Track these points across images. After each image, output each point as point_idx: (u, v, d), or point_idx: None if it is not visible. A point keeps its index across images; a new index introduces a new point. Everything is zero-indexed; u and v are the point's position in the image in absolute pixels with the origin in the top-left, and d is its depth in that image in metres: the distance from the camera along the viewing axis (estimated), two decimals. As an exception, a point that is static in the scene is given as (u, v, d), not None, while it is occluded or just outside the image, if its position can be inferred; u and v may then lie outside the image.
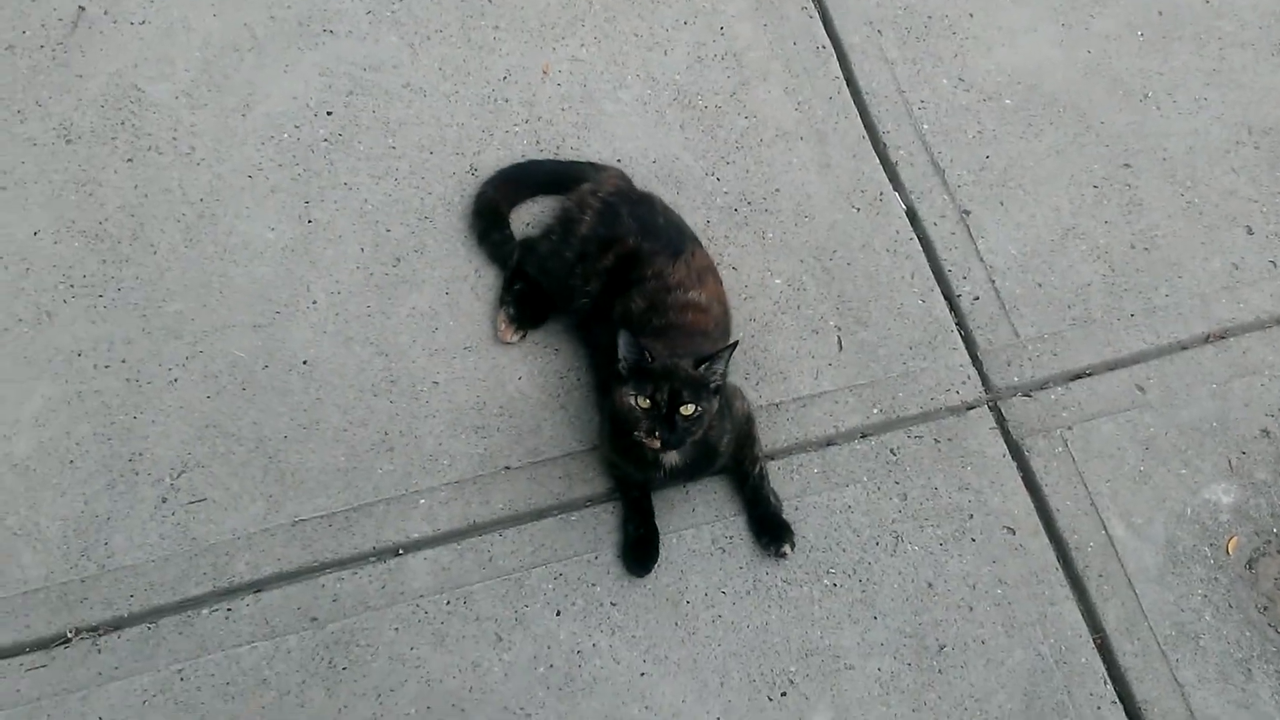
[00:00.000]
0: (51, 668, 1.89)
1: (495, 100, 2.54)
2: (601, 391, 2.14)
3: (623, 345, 1.84)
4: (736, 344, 1.88)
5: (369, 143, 2.45)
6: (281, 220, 2.34)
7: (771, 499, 2.09)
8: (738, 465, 2.09)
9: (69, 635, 1.92)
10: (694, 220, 2.42)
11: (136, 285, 2.24)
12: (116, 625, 1.94)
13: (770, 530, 2.09)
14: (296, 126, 2.45)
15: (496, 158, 2.46)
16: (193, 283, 2.26)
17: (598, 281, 2.14)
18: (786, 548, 2.07)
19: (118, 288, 2.23)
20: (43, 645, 1.92)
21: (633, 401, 1.83)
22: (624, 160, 2.48)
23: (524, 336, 2.26)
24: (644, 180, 2.46)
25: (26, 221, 2.28)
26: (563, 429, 2.18)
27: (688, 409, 1.81)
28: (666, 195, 2.45)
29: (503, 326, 2.24)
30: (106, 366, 2.16)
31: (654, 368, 1.82)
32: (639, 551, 2.05)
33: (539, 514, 2.11)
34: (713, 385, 1.87)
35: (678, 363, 1.84)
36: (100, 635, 1.93)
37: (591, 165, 2.40)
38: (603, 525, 2.10)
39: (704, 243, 2.39)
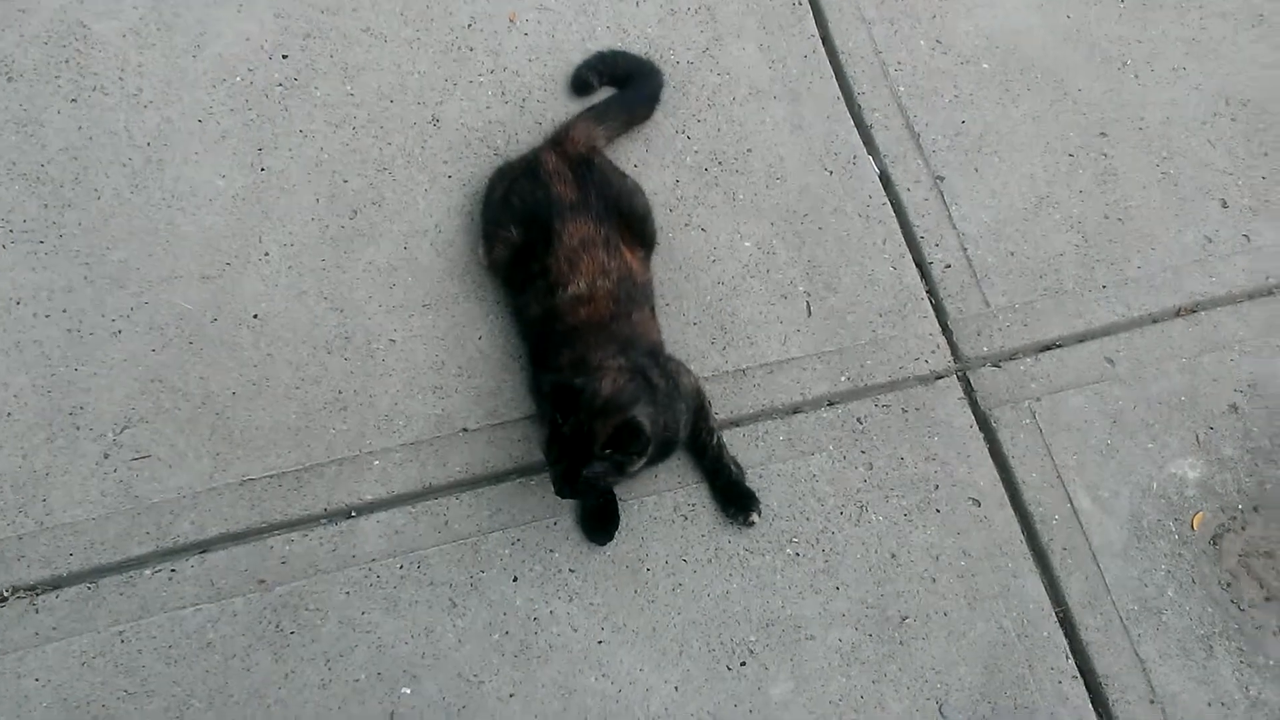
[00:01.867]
0: (-16, 628, 1.82)
1: (459, 48, 2.44)
2: (534, 372, 2.08)
3: (549, 393, 1.78)
4: (645, 452, 1.79)
5: (326, 89, 2.35)
6: (233, 168, 2.24)
7: (732, 467, 2.05)
8: (694, 439, 2.03)
9: (5, 594, 1.85)
10: (662, 179, 2.35)
11: (79, 232, 2.14)
12: (55, 584, 1.87)
13: (735, 499, 2.04)
14: (250, 70, 2.34)
15: (459, 109, 2.38)
16: (138, 230, 2.16)
17: (504, 250, 2.09)
18: (754, 516, 2.03)
19: (59, 234, 2.13)
20: (-25, 605, 1.84)
21: (544, 446, 1.81)
22: (592, 115, 2.40)
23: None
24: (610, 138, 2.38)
25: (-39, 162, 2.17)
26: (524, 391, 2.12)
27: (592, 473, 1.77)
28: (634, 153, 2.38)
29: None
30: (47, 316, 2.06)
31: (565, 431, 1.76)
32: (599, 519, 2.00)
33: (497, 478, 2.05)
34: (628, 466, 1.80)
35: (595, 428, 1.73)
36: (38, 594, 1.86)
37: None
38: (562, 490, 2.05)
39: (672, 204, 2.33)
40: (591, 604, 1.97)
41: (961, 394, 2.24)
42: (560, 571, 1.99)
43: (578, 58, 2.46)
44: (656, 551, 2.02)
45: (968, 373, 2.27)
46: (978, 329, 2.30)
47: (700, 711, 1.90)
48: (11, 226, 2.13)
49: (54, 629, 1.83)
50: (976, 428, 2.21)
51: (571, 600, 1.96)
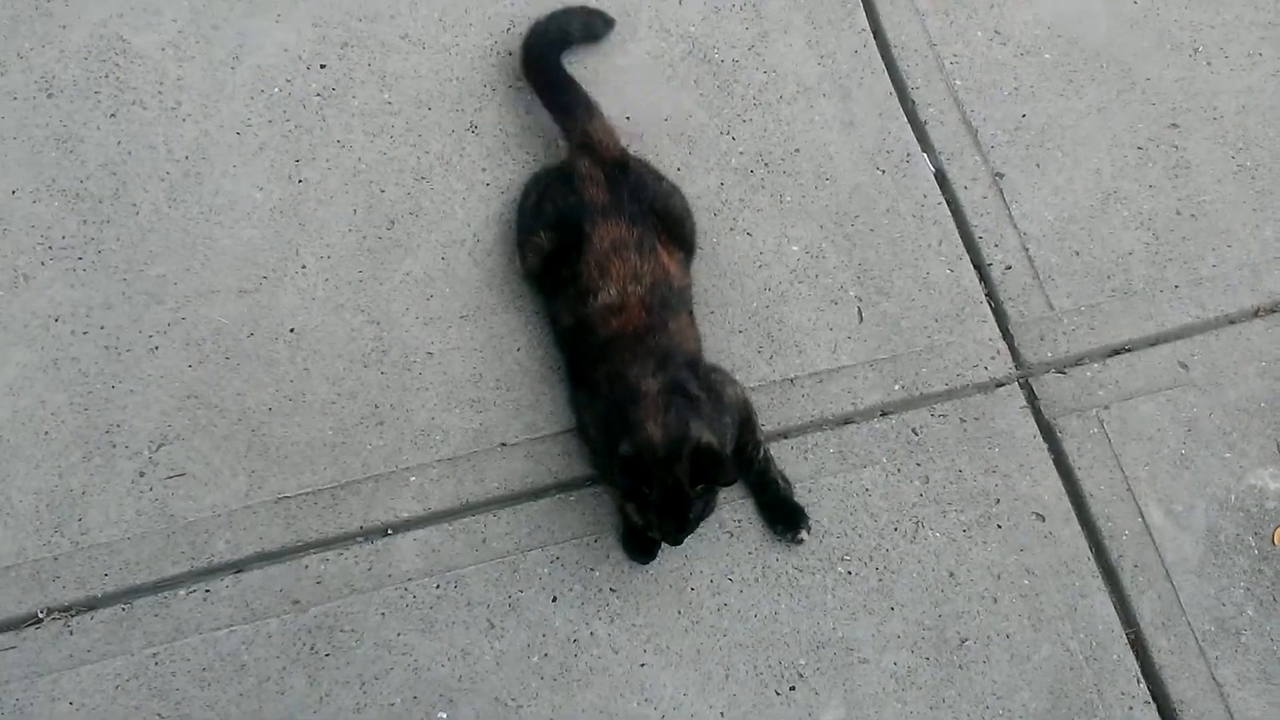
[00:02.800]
0: (21, 649, 1.81)
1: (498, 53, 2.39)
2: (572, 385, 2.02)
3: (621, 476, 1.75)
4: (729, 468, 1.76)
5: (363, 98, 2.32)
6: (270, 180, 2.22)
7: (780, 482, 1.96)
8: (740, 452, 1.93)
9: (40, 615, 1.84)
10: (706, 183, 2.27)
11: (117, 247, 2.13)
12: (90, 605, 1.85)
13: (784, 515, 1.96)
14: (288, 80, 2.32)
15: (498, 114, 2.32)
16: (176, 245, 2.14)
17: (536, 258, 2.04)
18: (803, 533, 1.94)
19: (98, 250, 2.12)
20: (12, 626, 1.83)
21: (638, 521, 1.80)
22: (634, 118, 2.32)
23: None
24: (654, 139, 2.31)
25: (4, 179, 2.17)
26: (563, 404, 2.05)
27: (697, 514, 1.76)
28: (678, 156, 2.30)
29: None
30: (85, 332, 2.05)
31: (654, 498, 1.72)
32: (642, 537, 1.92)
33: (536, 493, 1.99)
34: (720, 486, 1.79)
35: (678, 474, 1.71)
36: (73, 616, 1.84)
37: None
38: (603, 506, 1.98)
39: (716, 208, 2.25)
40: (633, 625, 1.89)
41: (1024, 402, 2.12)
42: (601, 591, 1.92)
43: (621, 60, 2.39)
44: (701, 570, 1.94)
45: (1030, 380, 2.15)
46: (1041, 333, 2.18)
47: (748, 739, 1.82)
48: (50, 244, 2.12)
49: (88, 651, 1.82)
50: (1040, 438, 2.09)
51: (613, 621, 1.89)
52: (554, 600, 1.90)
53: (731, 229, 2.24)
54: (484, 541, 1.94)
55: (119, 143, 2.23)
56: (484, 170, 2.27)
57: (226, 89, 2.30)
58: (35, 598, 1.85)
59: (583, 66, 2.39)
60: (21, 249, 2.11)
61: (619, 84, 2.37)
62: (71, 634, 1.82)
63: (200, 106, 2.28)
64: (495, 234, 2.20)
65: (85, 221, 2.15)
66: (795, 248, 2.23)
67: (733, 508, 1.99)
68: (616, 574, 1.93)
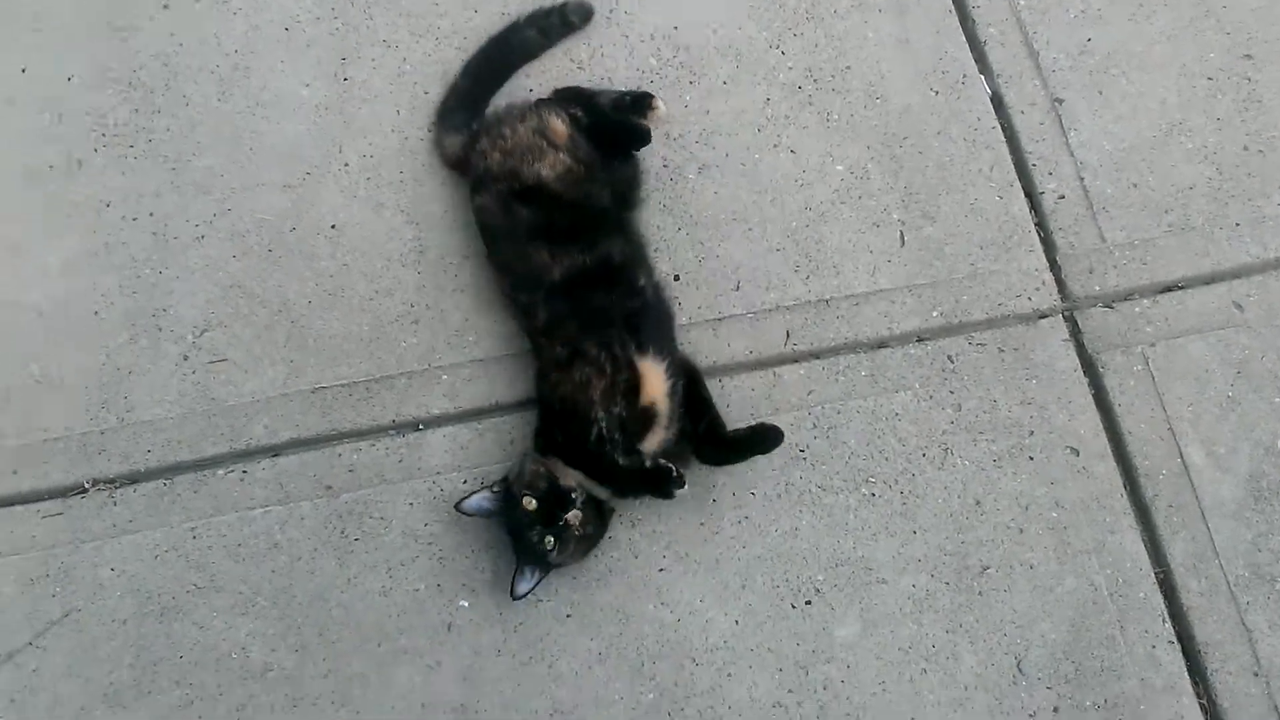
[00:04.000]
0: (67, 516, 1.89)
1: (549, -42, 2.35)
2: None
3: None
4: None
5: (412, -2, 2.31)
6: (317, 77, 2.23)
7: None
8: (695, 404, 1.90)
9: (86, 486, 1.92)
10: (752, 97, 2.23)
11: (167, 138, 2.17)
12: (133, 479, 1.93)
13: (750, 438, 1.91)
14: (338, -22, 2.31)
15: (546, 20, 2.29)
16: (224, 138, 2.17)
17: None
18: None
19: (149, 139, 2.16)
20: (60, 494, 1.91)
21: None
22: (681, 27, 2.28)
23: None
24: (700, 52, 2.27)
25: (62, 66, 2.22)
26: (596, 312, 2.06)
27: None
28: (724, 68, 2.26)
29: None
30: (134, 219, 2.10)
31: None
32: None
33: (565, 399, 2.01)
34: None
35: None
36: (116, 488, 1.92)
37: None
38: (631, 414, 1.99)
39: (761, 124, 2.21)
40: (654, 531, 1.91)
41: (1067, 335, 2.07)
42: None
43: (670, -33, 2.34)
44: (724, 482, 1.95)
45: (1075, 313, 2.10)
46: (1090, 266, 2.12)
47: (760, 647, 1.84)
48: (104, 131, 2.17)
49: (130, 522, 1.89)
50: (1081, 372, 2.04)
51: (634, 526, 1.92)
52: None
53: (775, 145, 2.20)
54: (511, 442, 1.96)
55: (171, 34, 2.25)
56: (527, 75, 2.25)
57: (278, -16, 2.30)
58: (82, 469, 1.92)
59: (632, -30, 2.34)
60: (76, 135, 2.16)
61: (670, -8, 2.33)
62: (115, 505, 1.90)
63: (250, 1, 2.29)
64: (538, 141, 2.19)
65: (137, 111, 2.18)
66: (840, 167, 2.19)
67: (757, 423, 1.98)
68: (640, 481, 1.94)
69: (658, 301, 1.93)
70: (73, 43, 2.23)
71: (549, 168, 1.92)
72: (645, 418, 1.80)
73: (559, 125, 1.98)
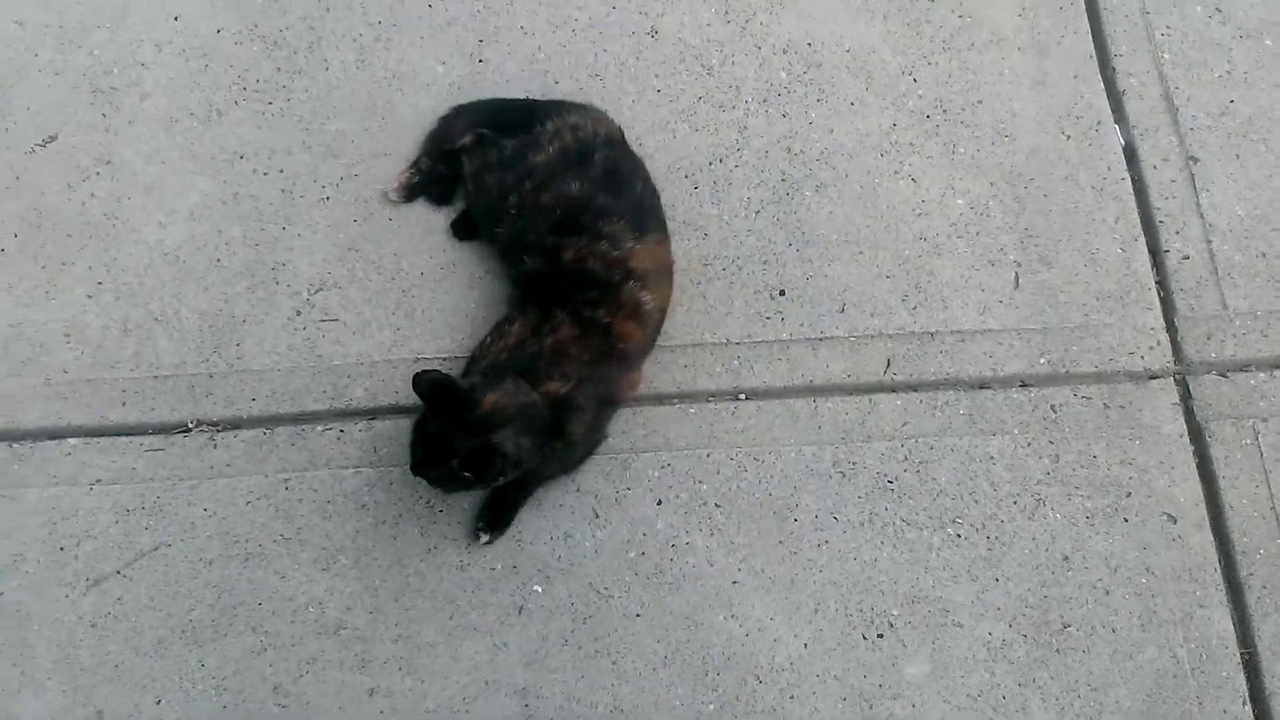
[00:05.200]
0: (169, 452, 1.95)
1: (691, -39, 2.37)
2: None
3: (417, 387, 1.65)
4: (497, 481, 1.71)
5: (553, -12, 2.34)
6: (453, 55, 2.27)
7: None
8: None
9: (190, 425, 1.98)
10: (879, 121, 2.21)
11: (305, 99, 2.23)
12: (235, 425, 1.98)
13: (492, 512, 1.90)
14: (484, -39, 2.36)
15: (680, 23, 2.31)
16: (358, 105, 2.22)
17: (527, 221, 1.91)
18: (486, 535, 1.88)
19: (287, 98, 2.23)
20: (164, 430, 1.97)
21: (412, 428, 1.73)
22: (815, 45, 2.28)
23: (408, 199, 2.12)
24: (832, 70, 2.27)
25: (212, 18, 2.29)
26: (696, 316, 2.06)
27: (435, 480, 1.73)
28: (854, 89, 2.25)
29: (398, 182, 2.11)
30: (265, 173, 2.16)
31: (429, 430, 1.68)
32: (494, 509, 1.90)
33: (658, 399, 2.02)
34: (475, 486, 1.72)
35: (456, 443, 1.64)
36: (219, 431, 1.97)
37: (580, 105, 2.11)
38: (721, 423, 1.99)
39: (884, 149, 2.20)
40: (732, 543, 1.91)
41: (1177, 399, 2.02)
42: (705, 504, 1.94)
43: (811, -17, 2.34)
44: (807, 504, 1.94)
45: (1188, 377, 2.04)
46: (1208, 332, 2.06)
47: (826, 674, 1.82)
48: (245, 85, 2.23)
49: (227, 465, 1.95)
50: (1187, 438, 1.99)
51: (712, 535, 1.91)
52: (659, 503, 1.93)
53: (896, 172, 2.18)
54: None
55: None
56: (656, 76, 2.27)
57: (425, -38, 2.35)
58: (188, 408, 1.98)
59: (774, -14, 2.35)
60: (219, 85, 2.23)
61: (805, 6, 2.33)
62: (215, 447, 1.96)
63: (398, -25, 2.34)
64: (658, 141, 2.20)
65: (279, 69, 2.25)
66: (960, 201, 2.16)
67: (848, 449, 1.97)
68: (723, 491, 1.94)
69: None
70: (225, -3, 2.31)
71: None
72: None
73: None
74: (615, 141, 2.01)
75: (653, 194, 1.99)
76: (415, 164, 2.13)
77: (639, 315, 1.87)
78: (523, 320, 1.87)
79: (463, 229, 2.11)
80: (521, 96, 2.19)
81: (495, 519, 1.87)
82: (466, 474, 1.64)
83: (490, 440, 1.64)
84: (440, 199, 2.14)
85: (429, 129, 2.17)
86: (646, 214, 1.92)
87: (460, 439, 1.64)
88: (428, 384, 1.64)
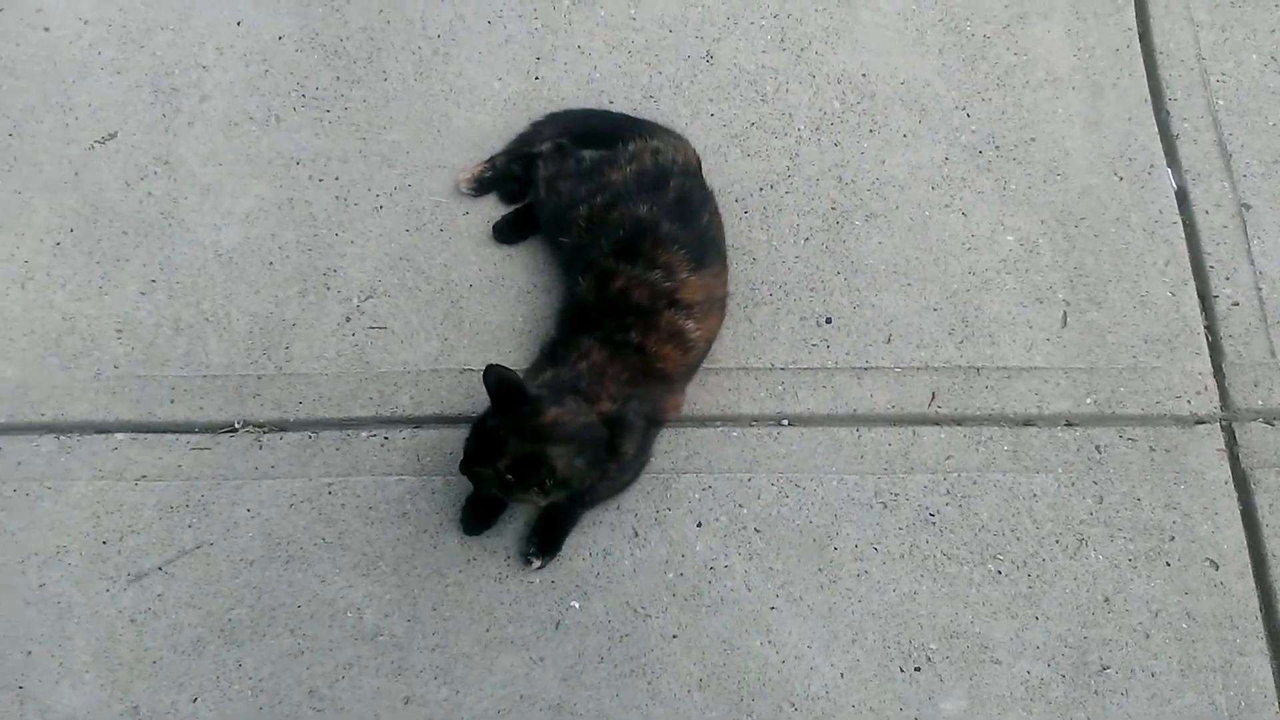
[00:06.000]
0: (215, 452, 1.97)
1: (748, -11, 2.39)
2: None
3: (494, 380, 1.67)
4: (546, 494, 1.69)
5: (610, 9, 2.36)
6: (510, 72, 2.29)
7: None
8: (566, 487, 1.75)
9: (236, 426, 1.99)
10: (930, 154, 2.22)
11: (362, 108, 2.25)
12: (281, 427, 1.99)
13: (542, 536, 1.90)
14: (543, -21, 2.39)
15: (735, 48, 2.33)
16: (415, 117, 2.25)
17: (593, 235, 1.92)
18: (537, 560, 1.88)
19: (345, 106, 2.25)
20: (211, 429, 1.99)
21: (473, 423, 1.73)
22: (869, 75, 2.29)
23: (477, 193, 2.15)
24: (885, 102, 2.28)
25: (274, 24, 2.33)
26: (741, 340, 2.07)
27: (481, 480, 1.71)
28: (907, 121, 2.26)
29: (471, 174, 2.14)
30: (320, 180, 2.19)
31: (487, 425, 1.68)
32: (479, 511, 1.90)
33: (701, 421, 2.02)
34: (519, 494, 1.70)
35: (509, 445, 1.65)
36: (265, 433, 1.99)
37: (666, 130, 2.14)
38: (764, 448, 1.99)
39: (936, 181, 2.21)
40: (771, 568, 1.91)
41: (1222, 445, 2.01)
42: (745, 528, 1.93)
43: (867, 15, 2.36)
44: (848, 533, 1.93)
45: (1234, 424, 2.03)
46: (1256, 379, 2.05)
47: (862, 705, 1.81)
48: (304, 92, 2.26)
49: (272, 467, 1.96)
50: (1232, 485, 1.98)
51: (751, 559, 1.91)
52: (699, 525, 1.93)
53: (947, 205, 2.19)
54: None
55: (381, 11, 2.35)
56: (710, 100, 2.29)
57: (485, -22, 2.38)
58: (235, 409, 2.00)
59: (828, 15, 2.37)
60: (278, 91, 2.26)
61: (861, 37, 2.34)
62: (260, 449, 1.97)
63: (458, -9, 2.37)
64: (710, 165, 2.21)
65: (339, 78, 2.28)
66: (1010, 237, 2.17)
67: (891, 479, 1.97)
68: (763, 516, 1.94)
69: None
70: (288, 4, 2.34)
71: None
72: None
73: None
74: (691, 171, 2.02)
75: (718, 227, 2.00)
76: (491, 160, 2.15)
77: (678, 340, 1.87)
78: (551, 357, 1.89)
79: (505, 232, 2.13)
80: (616, 111, 2.22)
81: (546, 543, 1.87)
82: (509, 477, 1.64)
83: (543, 451, 1.64)
84: (509, 198, 2.16)
85: (519, 131, 2.19)
86: (708, 246, 1.93)
87: (513, 442, 1.65)
88: (496, 378, 1.65)
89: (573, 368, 1.81)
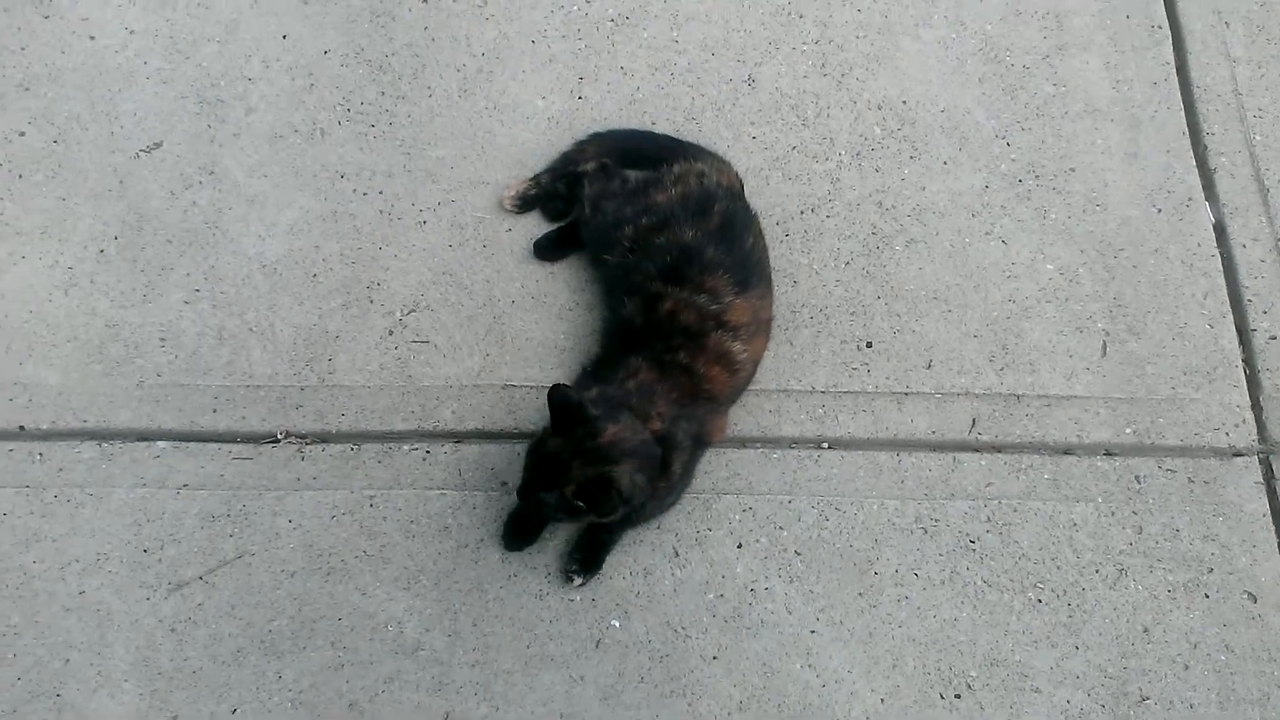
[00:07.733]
0: (257, 462, 1.97)
1: (789, 13, 2.41)
2: None
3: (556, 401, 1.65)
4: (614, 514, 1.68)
5: (653, 31, 2.38)
6: (553, 91, 2.31)
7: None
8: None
9: (279, 436, 1.99)
10: (970, 182, 2.24)
11: (407, 123, 2.27)
12: (323, 438, 1.99)
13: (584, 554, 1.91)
14: (588, 1, 2.41)
15: (777, 72, 2.35)
16: (459, 133, 2.26)
17: (637, 256, 1.93)
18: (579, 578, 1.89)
19: (389, 121, 2.27)
20: (253, 439, 1.99)
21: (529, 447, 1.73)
22: (910, 103, 2.31)
23: (520, 210, 2.16)
24: (925, 129, 2.30)
25: (320, 39, 2.34)
26: (782, 363, 2.08)
27: (545, 504, 1.70)
28: (947, 149, 2.28)
29: (515, 190, 2.15)
30: (364, 194, 2.20)
31: (547, 448, 1.67)
32: (522, 527, 1.91)
33: (741, 443, 2.02)
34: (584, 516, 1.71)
35: (574, 469, 1.64)
36: (307, 444, 1.99)
37: (710, 153, 2.15)
38: (804, 471, 1.99)
39: (976, 209, 2.22)
40: (811, 591, 1.90)
41: (1260, 478, 2.01)
42: (785, 551, 1.93)
43: (908, 43, 2.38)
44: (889, 558, 1.93)
45: (1272, 457, 2.04)
46: (1293, 413, 2.07)
47: (903, 731, 1.81)
48: (350, 107, 2.28)
49: (314, 479, 1.96)
50: (1270, 518, 1.98)
51: (792, 582, 1.91)
52: (739, 547, 1.93)
53: (987, 233, 2.20)
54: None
55: (426, 28, 2.36)
56: (752, 124, 2.30)
57: (531, -1, 2.41)
58: (278, 419, 2.00)
59: (868, 42, 2.39)
60: (324, 105, 2.28)
61: (902, 65, 2.36)
62: (303, 460, 1.97)
63: (505, 10, 2.39)
64: (751, 187, 2.21)
65: (384, 94, 2.29)
66: (1050, 266, 2.18)
67: (931, 505, 1.97)
68: (804, 539, 1.94)
69: None
70: (334, 19, 2.36)
71: None
72: None
73: None
74: (735, 194, 2.03)
75: (762, 249, 2.01)
76: (536, 177, 2.17)
77: (726, 362, 1.88)
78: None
79: (546, 249, 2.14)
80: (661, 132, 2.24)
81: (587, 561, 1.87)
82: (579, 502, 1.64)
83: (610, 472, 1.64)
84: (552, 215, 2.17)
85: (563, 149, 2.21)
86: (753, 269, 1.94)
87: (578, 466, 1.64)
88: (561, 398, 1.65)
89: (621, 385, 1.81)
